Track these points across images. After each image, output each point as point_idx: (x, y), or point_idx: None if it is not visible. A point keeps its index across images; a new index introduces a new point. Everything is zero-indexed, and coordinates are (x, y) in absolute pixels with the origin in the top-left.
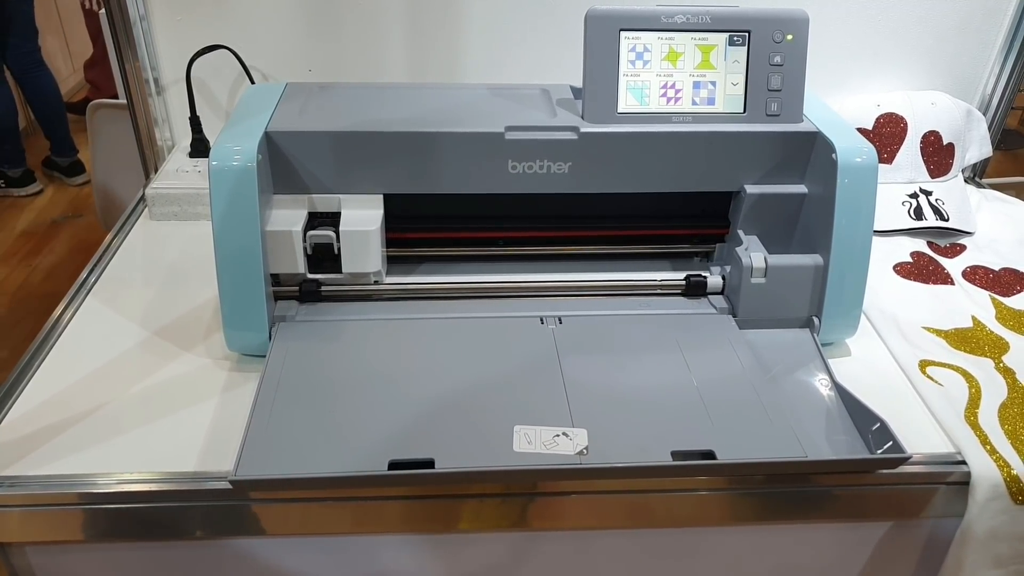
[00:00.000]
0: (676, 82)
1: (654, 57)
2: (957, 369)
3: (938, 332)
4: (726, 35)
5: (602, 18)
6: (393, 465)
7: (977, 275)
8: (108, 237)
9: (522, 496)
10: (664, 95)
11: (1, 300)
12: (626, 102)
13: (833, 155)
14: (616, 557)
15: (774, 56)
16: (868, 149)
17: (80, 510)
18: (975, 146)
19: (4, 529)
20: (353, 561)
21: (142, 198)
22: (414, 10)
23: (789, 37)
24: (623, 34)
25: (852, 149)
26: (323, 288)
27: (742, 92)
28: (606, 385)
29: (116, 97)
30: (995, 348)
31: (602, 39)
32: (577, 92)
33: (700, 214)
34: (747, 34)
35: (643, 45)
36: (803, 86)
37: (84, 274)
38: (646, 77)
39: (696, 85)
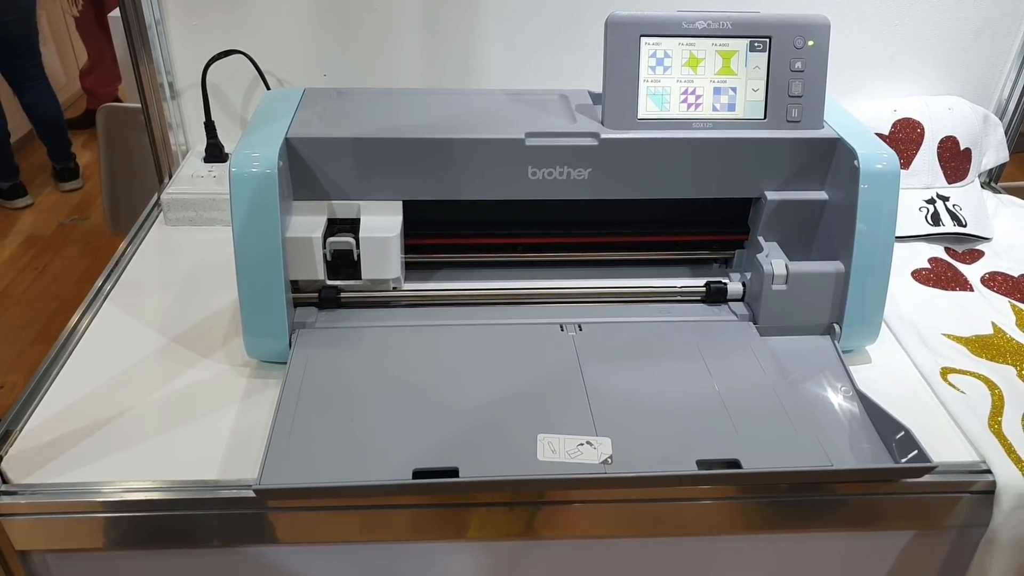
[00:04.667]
0: (696, 88)
1: (674, 63)
2: (979, 377)
3: (959, 339)
4: (747, 41)
5: (623, 24)
6: (417, 474)
7: (996, 281)
8: (123, 243)
9: (535, 504)
10: (684, 101)
11: (9, 303)
12: (646, 108)
13: (855, 161)
14: (633, 565)
15: (795, 62)
16: (889, 155)
17: (99, 518)
18: (992, 151)
19: (24, 537)
20: (371, 568)
21: (157, 203)
22: (429, 14)
23: (810, 43)
24: (643, 40)
25: (873, 155)
26: (342, 294)
27: (763, 98)
28: (628, 393)
29: (117, 101)
30: (1017, 355)
31: (622, 45)
32: (596, 97)
33: (720, 220)
34: (768, 40)
35: (663, 51)
36: (824, 92)
37: (100, 280)
38: (666, 83)
39: (716, 91)
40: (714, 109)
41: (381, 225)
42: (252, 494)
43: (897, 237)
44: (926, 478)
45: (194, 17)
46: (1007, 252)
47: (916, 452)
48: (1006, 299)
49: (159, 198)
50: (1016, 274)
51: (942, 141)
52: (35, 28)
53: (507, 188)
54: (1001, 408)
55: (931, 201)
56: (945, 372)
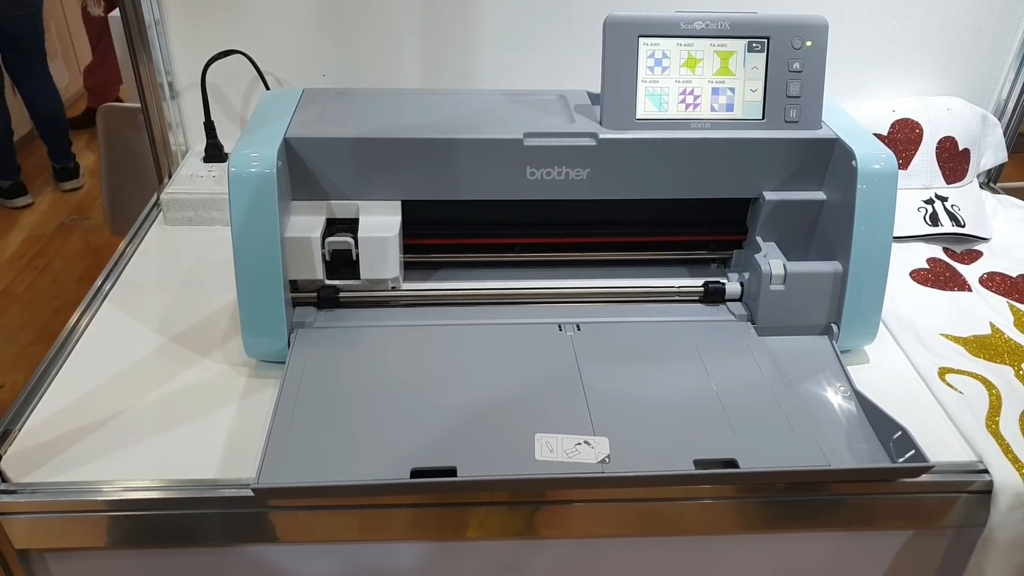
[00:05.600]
0: (695, 88)
1: (673, 63)
2: (977, 377)
3: (956, 339)
4: (745, 41)
5: (621, 24)
6: (415, 473)
7: (994, 281)
8: (123, 243)
9: (533, 504)
10: (683, 101)
11: (9, 303)
12: (645, 108)
13: (852, 162)
14: (630, 565)
15: (793, 62)
16: (887, 155)
17: (98, 517)
18: (990, 151)
19: (23, 536)
20: (370, 568)
21: (156, 203)
22: (429, 15)
23: (808, 43)
24: (642, 40)
25: (871, 156)
26: (341, 294)
27: (761, 98)
28: (626, 392)
29: (119, 102)
30: (1014, 355)
31: (621, 45)
32: (594, 98)
33: (718, 220)
34: (766, 40)
35: (662, 51)
36: (822, 92)
37: (100, 280)
38: (665, 83)
39: (715, 91)
40: (712, 109)
41: (380, 225)
42: (251, 493)
43: (895, 237)
44: (923, 478)
45: (193, 17)
46: (1005, 252)
47: (913, 452)
48: (1004, 299)
49: (159, 198)
50: (1014, 274)
51: (941, 141)
52: (41, 26)
53: (505, 188)
54: (999, 408)
55: (929, 201)
56: (943, 372)
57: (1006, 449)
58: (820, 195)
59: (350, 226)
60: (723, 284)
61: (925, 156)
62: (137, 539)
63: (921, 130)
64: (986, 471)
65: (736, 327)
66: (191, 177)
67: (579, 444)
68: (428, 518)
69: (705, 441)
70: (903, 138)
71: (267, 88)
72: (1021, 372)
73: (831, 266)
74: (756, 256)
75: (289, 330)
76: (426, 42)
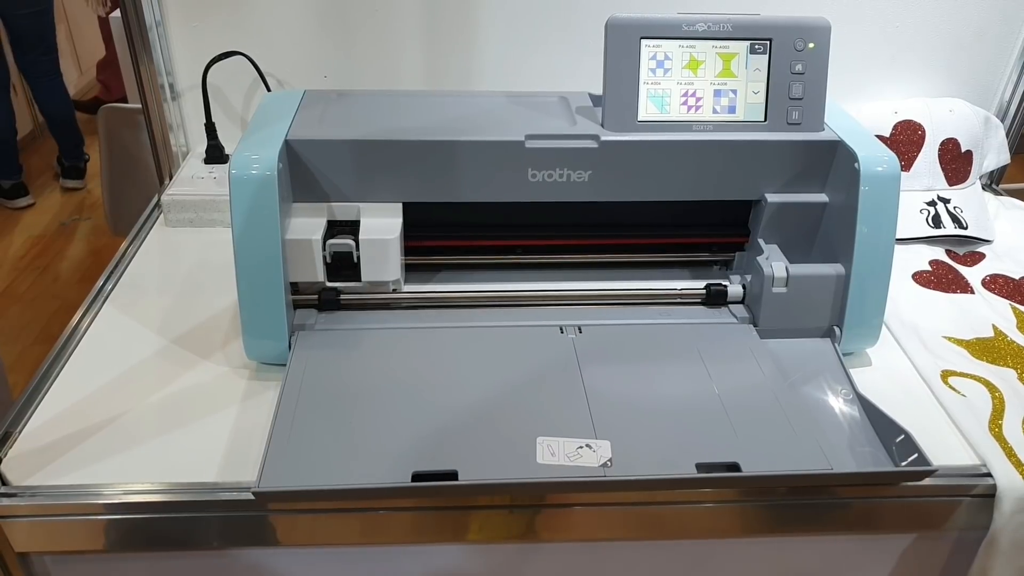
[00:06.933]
0: (697, 90)
1: (675, 65)
2: (980, 380)
3: (959, 342)
4: (747, 43)
5: (623, 26)
6: (417, 477)
7: (997, 284)
8: (124, 244)
9: (535, 508)
10: (685, 103)
11: (10, 303)
12: (646, 110)
13: (855, 164)
14: (632, 569)
15: (795, 64)
16: (890, 158)
17: (99, 520)
18: (993, 153)
19: (23, 539)
20: (371, 571)
21: (157, 204)
22: (430, 16)
23: (811, 45)
24: (644, 42)
25: (874, 158)
26: (342, 296)
27: (763, 100)
28: (628, 395)
29: (126, 99)
30: (1017, 358)
31: (623, 47)
32: (596, 100)
33: (720, 222)
34: (768, 42)
35: (664, 53)
36: (824, 94)
37: (100, 281)
38: (667, 85)
39: (717, 93)
40: (714, 111)
41: (381, 227)
42: (251, 497)
43: (898, 239)
44: (926, 481)
45: (194, 18)
46: (1008, 254)
47: (916, 455)
48: (1007, 301)
49: (159, 199)
50: (1017, 276)
51: (943, 143)
52: (52, 23)
53: (507, 190)
54: (1002, 411)
55: (932, 203)
56: (945, 375)
57: (1009, 453)
58: (822, 197)
59: (351, 228)
60: (725, 286)
61: (927, 158)
62: (137, 542)
63: (923, 132)
64: (989, 475)
65: (738, 329)
66: (192, 178)
67: (581, 447)
68: (429, 521)
69: (707, 444)
70: (905, 140)
71: (268, 89)
72: None
73: (833, 268)
74: (758, 258)
75: (290, 332)
76: (428, 44)
